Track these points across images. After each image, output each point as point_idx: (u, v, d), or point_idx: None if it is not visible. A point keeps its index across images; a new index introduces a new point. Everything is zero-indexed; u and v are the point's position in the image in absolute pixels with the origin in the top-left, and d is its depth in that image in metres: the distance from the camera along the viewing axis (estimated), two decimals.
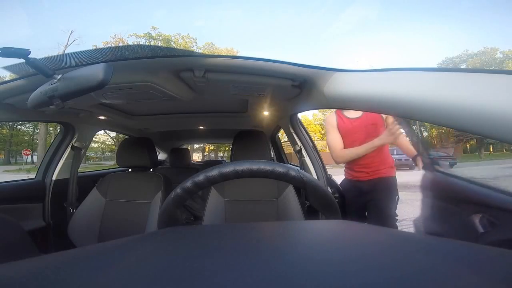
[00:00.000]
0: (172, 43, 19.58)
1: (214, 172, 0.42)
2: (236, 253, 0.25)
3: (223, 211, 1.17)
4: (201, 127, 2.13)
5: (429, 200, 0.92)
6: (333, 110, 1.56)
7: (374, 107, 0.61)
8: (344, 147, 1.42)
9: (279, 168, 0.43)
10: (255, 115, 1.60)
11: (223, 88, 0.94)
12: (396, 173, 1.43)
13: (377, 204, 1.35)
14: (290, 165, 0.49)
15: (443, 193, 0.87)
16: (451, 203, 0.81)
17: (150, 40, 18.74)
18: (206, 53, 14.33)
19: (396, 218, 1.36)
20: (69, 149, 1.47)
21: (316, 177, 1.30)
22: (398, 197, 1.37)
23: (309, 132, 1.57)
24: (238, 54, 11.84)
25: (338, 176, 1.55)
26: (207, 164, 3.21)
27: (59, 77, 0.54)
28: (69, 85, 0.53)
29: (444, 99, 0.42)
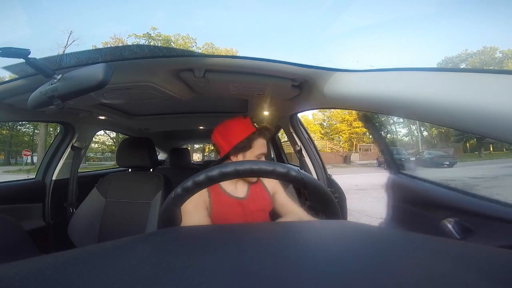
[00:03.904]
0: (171, 43, 19.54)
1: (214, 171, 0.42)
2: (236, 253, 0.25)
3: None
4: (201, 127, 2.13)
5: (394, 203, 0.89)
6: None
7: (374, 107, 0.61)
8: None
9: (280, 168, 0.43)
10: (255, 115, 1.60)
11: (223, 88, 0.94)
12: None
13: None
14: (291, 165, 0.49)
15: (408, 196, 0.84)
16: (418, 206, 0.78)
17: (149, 41, 18.71)
18: (206, 53, 14.31)
19: None
20: (69, 149, 1.48)
21: (316, 177, 1.30)
22: None
23: (309, 132, 1.57)
24: (238, 54, 11.82)
25: (338, 176, 1.56)
26: (207, 164, 3.21)
27: (59, 77, 0.54)
28: (69, 85, 0.53)
29: (443, 99, 0.42)
